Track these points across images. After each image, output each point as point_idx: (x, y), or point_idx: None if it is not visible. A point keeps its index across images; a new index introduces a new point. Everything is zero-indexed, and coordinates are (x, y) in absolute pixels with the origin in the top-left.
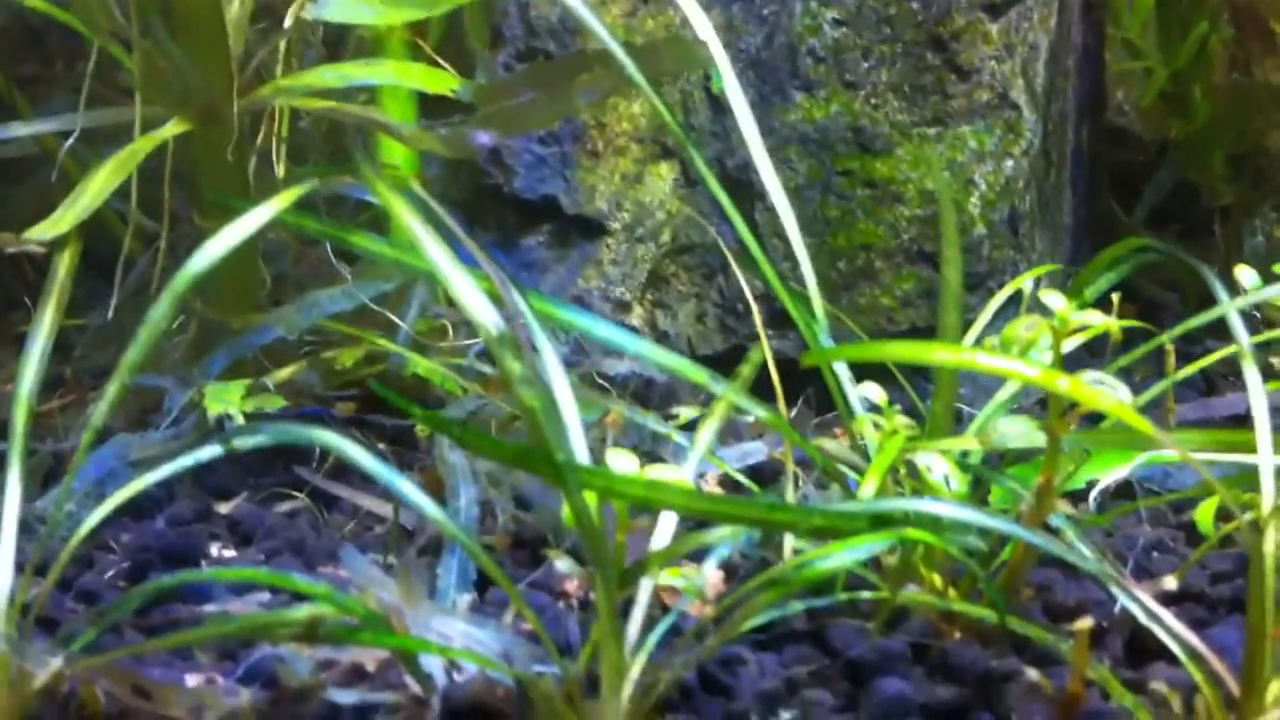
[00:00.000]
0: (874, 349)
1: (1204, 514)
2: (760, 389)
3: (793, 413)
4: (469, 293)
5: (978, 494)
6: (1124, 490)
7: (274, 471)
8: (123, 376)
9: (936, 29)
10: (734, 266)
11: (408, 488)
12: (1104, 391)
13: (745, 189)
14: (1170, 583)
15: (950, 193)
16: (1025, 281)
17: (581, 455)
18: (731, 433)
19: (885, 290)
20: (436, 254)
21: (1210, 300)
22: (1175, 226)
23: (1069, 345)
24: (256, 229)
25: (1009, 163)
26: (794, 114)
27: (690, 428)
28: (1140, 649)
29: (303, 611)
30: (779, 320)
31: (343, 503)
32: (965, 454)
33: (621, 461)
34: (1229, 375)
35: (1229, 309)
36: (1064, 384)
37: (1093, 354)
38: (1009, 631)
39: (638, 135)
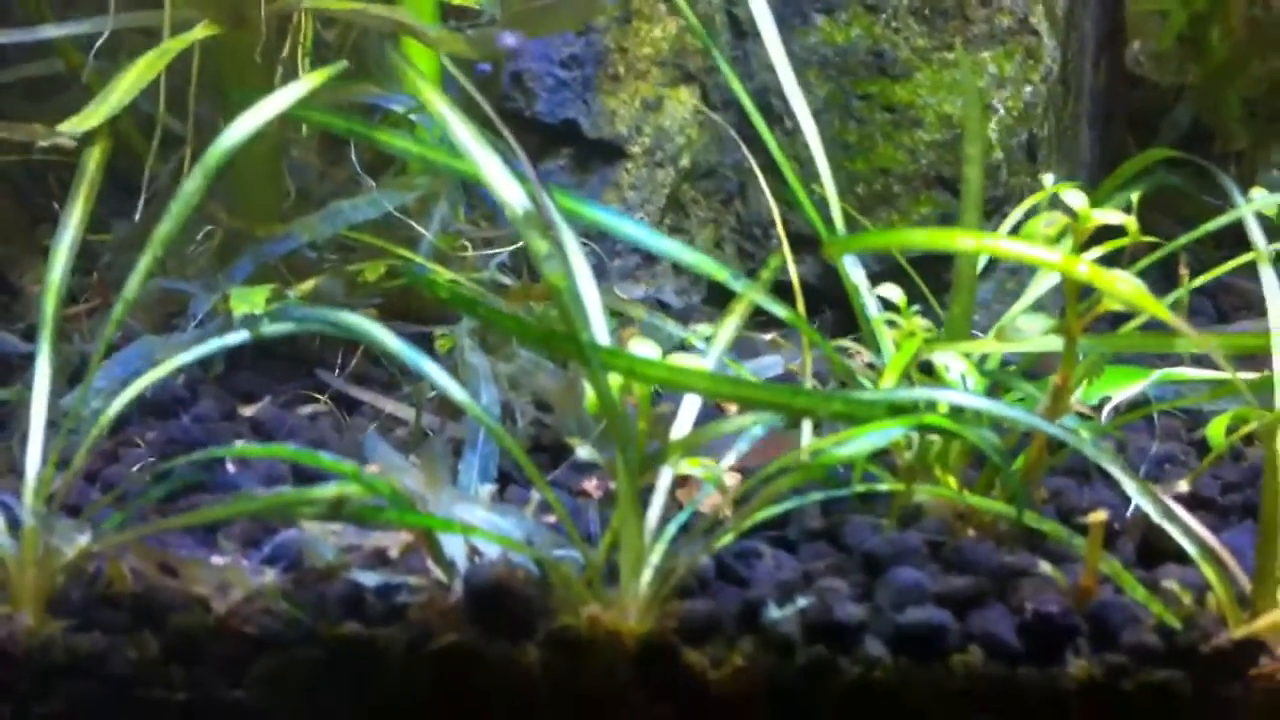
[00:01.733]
0: (896, 236)
1: (1216, 428)
2: (776, 320)
3: None
4: (497, 174)
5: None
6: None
7: (297, 377)
8: (155, 250)
9: None
10: (760, 187)
11: (436, 371)
12: (1123, 280)
13: (765, 113)
14: (1183, 486)
15: (975, 99)
16: (1042, 200)
17: (603, 339)
18: (749, 351)
19: (903, 215)
20: (464, 136)
21: (1224, 236)
22: (1189, 167)
23: (1088, 255)
24: (269, 123)
25: (1028, 88)
26: (814, 36)
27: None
28: (1152, 552)
29: (329, 490)
30: (797, 244)
31: (364, 407)
32: (983, 360)
33: (644, 347)
34: (1241, 309)
35: (1245, 211)
36: (1084, 269)
37: None
38: (1023, 530)
39: (659, 59)
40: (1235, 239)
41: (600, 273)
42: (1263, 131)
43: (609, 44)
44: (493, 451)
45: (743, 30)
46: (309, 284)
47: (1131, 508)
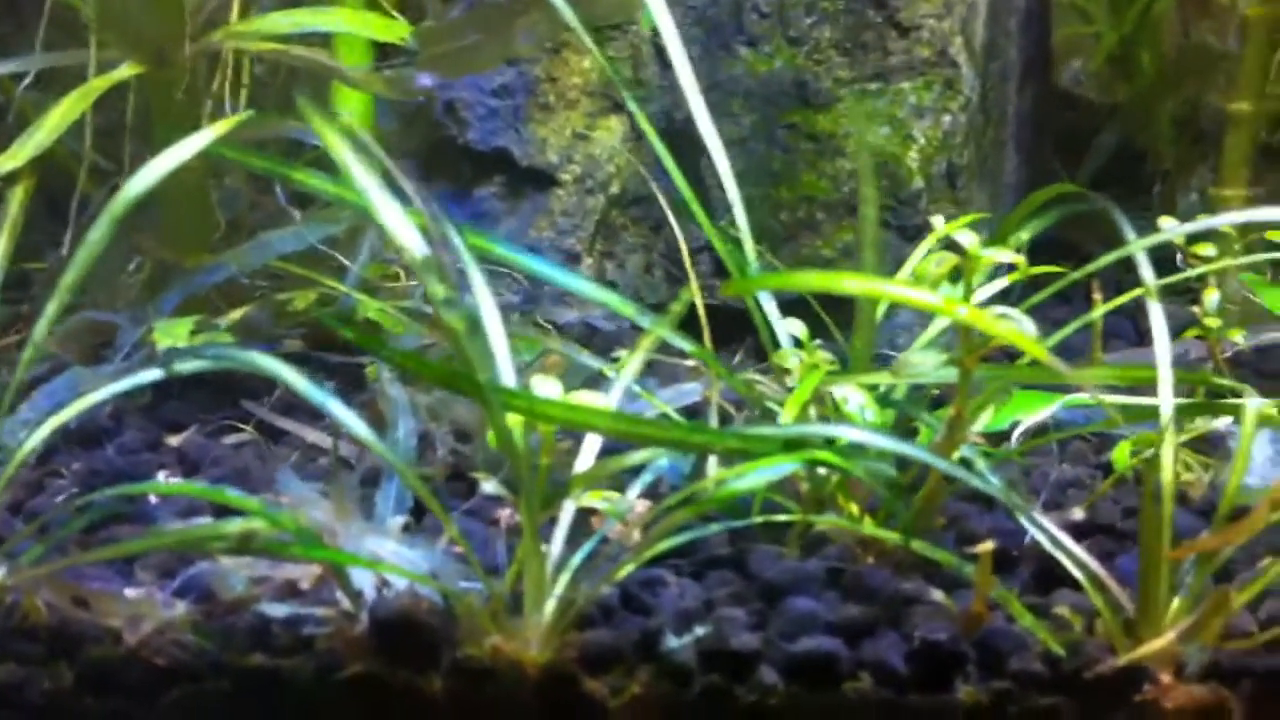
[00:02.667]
0: (789, 279)
1: (1120, 452)
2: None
3: (736, 360)
4: (396, 220)
5: (902, 430)
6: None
7: (223, 407)
8: (61, 297)
9: None
10: (689, 212)
11: (341, 411)
12: (1006, 322)
13: (692, 141)
14: (1077, 513)
15: (870, 134)
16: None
17: (507, 379)
18: (671, 377)
19: (826, 241)
20: (367, 182)
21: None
22: (1118, 188)
23: (987, 289)
24: (196, 157)
25: (947, 118)
26: (739, 68)
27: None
28: (1047, 578)
29: (237, 525)
30: (723, 272)
31: (289, 436)
32: (890, 391)
33: (546, 386)
34: None
35: (1136, 248)
36: (963, 311)
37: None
38: (921, 558)
39: (588, 89)
40: (1156, 261)
41: (532, 298)
42: (1185, 154)
43: (539, 74)
44: None
45: (669, 61)
46: (239, 312)
47: (1028, 537)
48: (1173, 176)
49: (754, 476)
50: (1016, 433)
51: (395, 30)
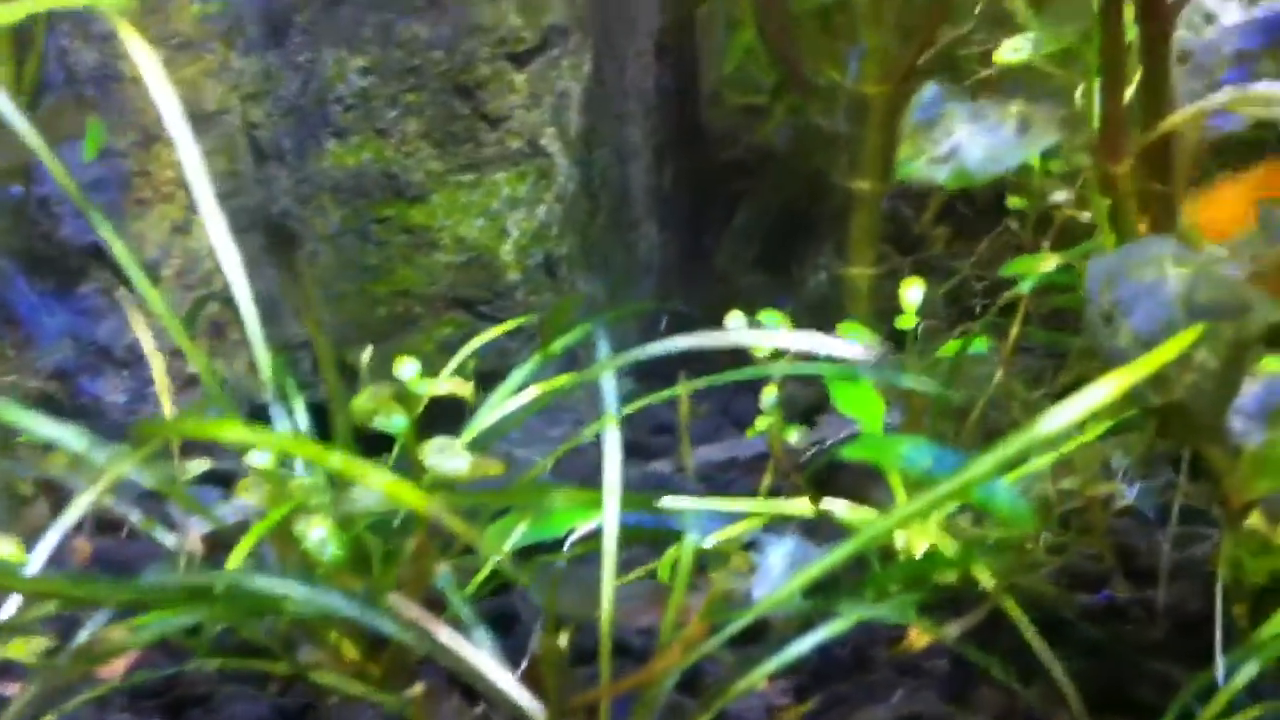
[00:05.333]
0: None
1: (665, 566)
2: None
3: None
4: None
5: None
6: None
7: None
8: None
9: (461, 78)
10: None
11: None
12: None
13: (288, 235)
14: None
15: (464, 227)
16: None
17: None
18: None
19: (426, 336)
20: None
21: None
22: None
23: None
24: None
25: (541, 208)
26: (327, 161)
27: (212, 479)
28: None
29: None
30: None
31: None
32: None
33: None
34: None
35: (606, 368)
36: (335, 462)
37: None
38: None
39: (183, 182)
40: None
41: (141, 396)
42: (813, 231)
43: (132, 167)
44: None
45: (264, 154)
46: None
47: None
48: (807, 254)
49: (150, 629)
50: (571, 539)
51: None
